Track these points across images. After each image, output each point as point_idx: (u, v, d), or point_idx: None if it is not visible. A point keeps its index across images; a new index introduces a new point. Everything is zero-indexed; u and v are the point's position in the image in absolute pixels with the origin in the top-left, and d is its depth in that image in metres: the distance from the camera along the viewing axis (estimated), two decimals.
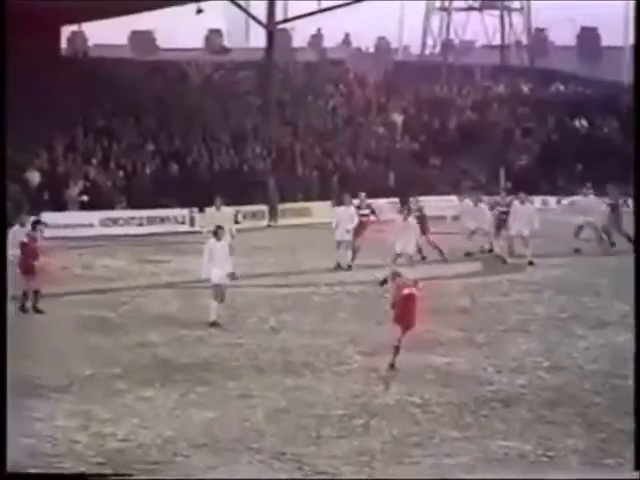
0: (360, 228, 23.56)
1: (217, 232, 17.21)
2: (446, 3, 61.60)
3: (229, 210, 22.71)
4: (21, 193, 31.39)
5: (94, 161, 34.82)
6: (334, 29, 55.49)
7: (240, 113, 40.73)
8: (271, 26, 41.98)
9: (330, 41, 59.04)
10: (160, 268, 23.66)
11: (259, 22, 42.41)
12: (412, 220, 22.02)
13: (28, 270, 17.87)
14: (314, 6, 43.36)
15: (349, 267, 23.12)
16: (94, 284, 21.17)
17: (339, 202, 24.61)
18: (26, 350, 14.70)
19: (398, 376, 13.44)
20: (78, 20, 46.04)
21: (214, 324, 16.63)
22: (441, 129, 45.13)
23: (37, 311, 17.85)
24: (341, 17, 47.64)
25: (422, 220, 23.59)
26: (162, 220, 31.63)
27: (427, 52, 60.50)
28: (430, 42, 61.09)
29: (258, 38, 45.70)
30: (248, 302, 18.56)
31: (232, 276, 17.18)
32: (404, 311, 13.73)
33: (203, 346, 15.26)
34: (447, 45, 60.22)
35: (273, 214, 34.24)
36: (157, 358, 14.43)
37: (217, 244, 17.06)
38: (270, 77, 42.28)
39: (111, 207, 32.43)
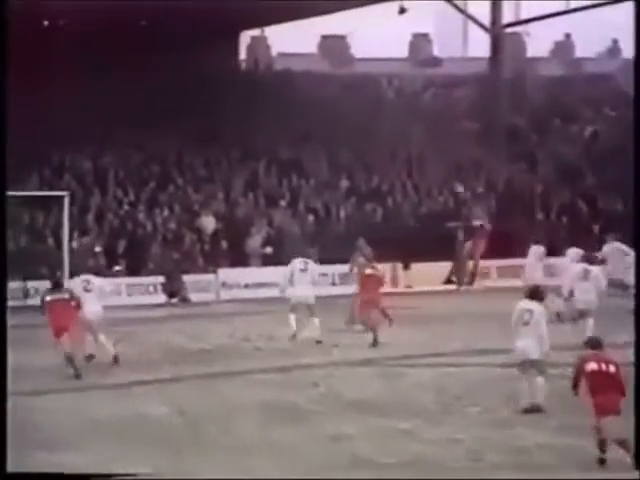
0: None
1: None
2: None
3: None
4: (196, 242, 32.63)
5: (281, 202, 35.53)
6: (589, 32, 50.38)
7: (456, 142, 40.65)
8: (497, 30, 41.94)
9: (584, 49, 55.19)
10: (356, 339, 23.96)
11: (481, 25, 42.39)
12: None
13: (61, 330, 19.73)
14: (558, 4, 42.03)
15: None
16: (278, 360, 21.70)
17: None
18: (194, 442, 15.31)
19: None
20: (259, 24, 46.94)
21: (528, 411, 16.74)
22: None
23: (77, 376, 19.53)
24: (600, 16, 43.43)
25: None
26: None
27: None
28: None
29: (479, 45, 45.50)
30: (465, 385, 18.59)
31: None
32: (590, 393, 13.74)
33: (410, 441, 15.38)
34: None
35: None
36: (354, 456, 14.61)
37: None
38: (496, 96, 42.21)
39: None
